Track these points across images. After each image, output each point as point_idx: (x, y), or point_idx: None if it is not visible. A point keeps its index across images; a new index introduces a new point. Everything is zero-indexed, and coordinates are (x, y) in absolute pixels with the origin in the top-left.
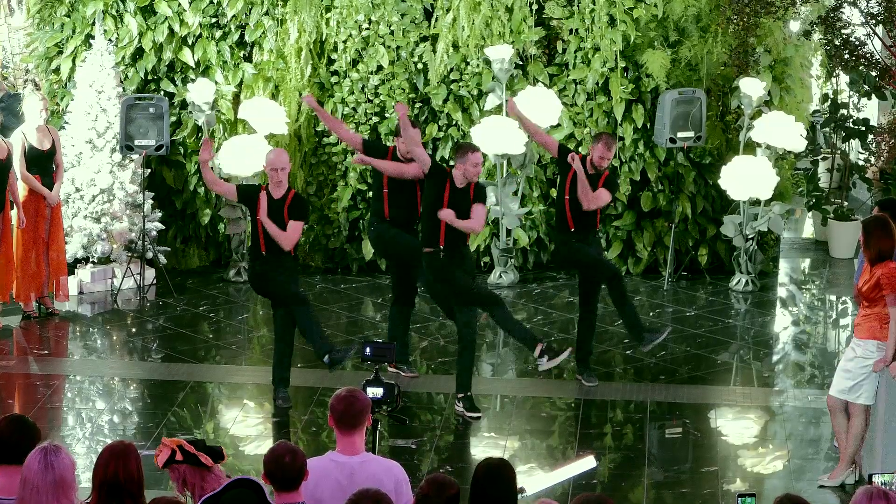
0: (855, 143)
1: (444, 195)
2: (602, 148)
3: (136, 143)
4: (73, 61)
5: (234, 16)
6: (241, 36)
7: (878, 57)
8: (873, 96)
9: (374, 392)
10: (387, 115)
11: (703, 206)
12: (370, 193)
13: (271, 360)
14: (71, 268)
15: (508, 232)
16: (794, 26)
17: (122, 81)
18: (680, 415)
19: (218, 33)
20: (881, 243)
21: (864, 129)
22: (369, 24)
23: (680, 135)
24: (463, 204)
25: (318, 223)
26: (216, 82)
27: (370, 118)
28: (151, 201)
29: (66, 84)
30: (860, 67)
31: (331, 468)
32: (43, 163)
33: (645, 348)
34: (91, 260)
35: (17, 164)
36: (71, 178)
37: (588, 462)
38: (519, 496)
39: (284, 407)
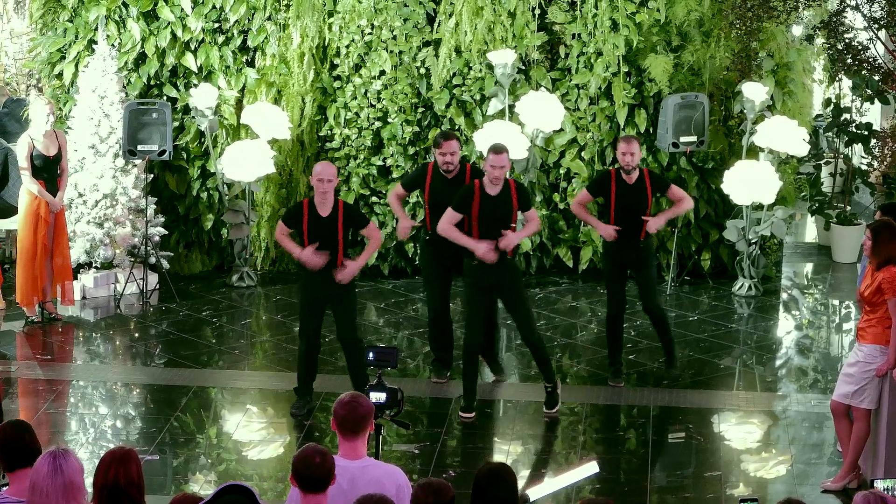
0: (858, 147)
1: (473, 208)
2: (622, 145)
3: (139, 148)
4: (76, 66)
5: (236, 21)
6: (244, 41)
7: (880, 61)
8: (876, 101)
9: (377, 397)
10: (389, 119)
11: (705, 211)
12: (373, 198)
13: (273, 365)
14: (74, 273)
15: None
16: (797, 31)
17: (124, 86)
18: (683, 419)
19: (220, 38)
20: (890, 248)
21: (866, 133)
22: (372, 28)
23: (682, 139)
24: (498, 210)
25: None
26: (219, 87)
27: (373, 123)
28: (154, 206)
29: (68, 89)
30: (863, 72)
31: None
32: (48, 168)
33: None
34: (94, 265)
35: (23, 170)
36: (74, 184)
37: (591, 467)
38: None
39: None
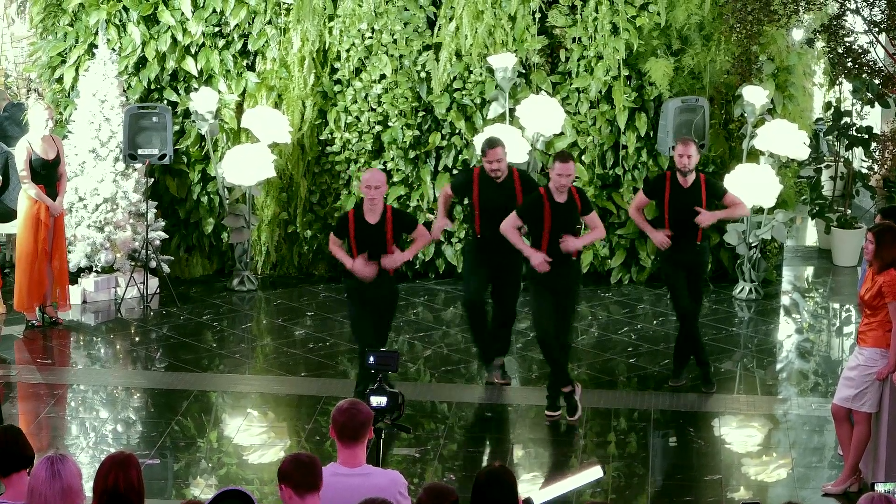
0: (858, 151)
1: (545, 218)
2: (679, 147)
3: (140, 152)
4: (77, 71)
5: (237, 25)
6: (245, 45)
7: (881, 65)
8: (876, 104)
9: (378, 401)
10: (389, 123)
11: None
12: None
13: (274, 368)
14: (74, 277)
15: None
16: (797, 34)
17: (125, 91)
18: (683, 423)
19: (221, 42)
20: (893, 252)
21: (867, 137)
22: (372, 32)
23: None
24: (565, 217)
25: (321, 231)
26: (219, 91)
27: (373, 127)
28: (155, 210)
29: (69, 93)
30: (863, 75)
31: (332, 480)
32: (47, 172)
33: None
34: (94, 269)
35: (22, 175)
36: (74, 188)
37: (595, 471)
38: None
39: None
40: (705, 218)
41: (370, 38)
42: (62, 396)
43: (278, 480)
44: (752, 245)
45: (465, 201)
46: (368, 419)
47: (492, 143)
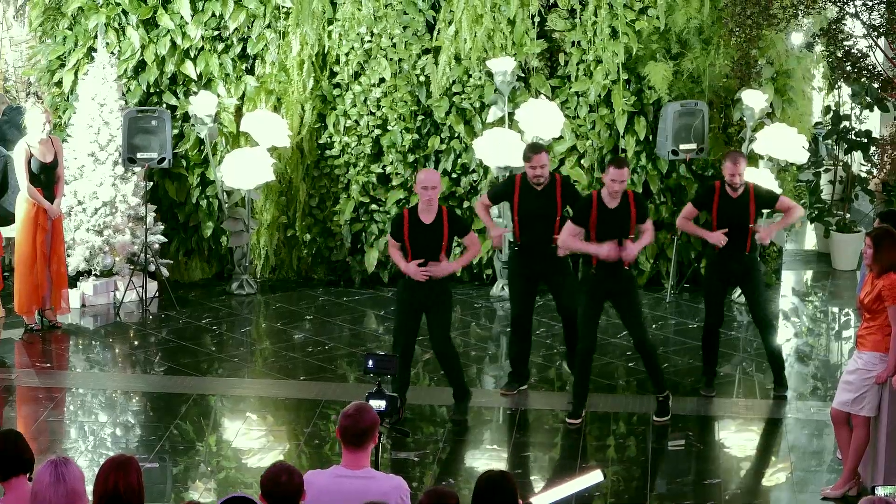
0: (857, 155)
1: (591, 220)
2: (729, 165)
3: (139, 155)
4: (76, 74)
5: (236, 28)
6: (244, 48)
7: (880, 69)
8: (875, 108)
9: (377, 404)
10: (389, 127)
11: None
12: (373, 206)
13: (273, 372)
14: (73, 280)
15: (511, 244)
16: (796, 39)
17: (124, 94)
18: (683, 427)
19: (220, 46)
20: (892, 256)
21: (866, 141)
22: (371, 36)
23: (682, 147)
24: (616, 223)
25: (320, 235)
26: (218, 95)
27: (372, 131)
28: (154, 214)
29: (68, 97)
30: (862, 79)
31: (335, 483)
32: (46, 175)
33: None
34: (93, 273)
35: (21, 177)
36: (73, 191)
37: (595, 476)
38: None
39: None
40: (765, 234)
41: (369, 41)
42: (61, 400)
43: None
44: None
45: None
46: (373, 425)
47: (536, 149)
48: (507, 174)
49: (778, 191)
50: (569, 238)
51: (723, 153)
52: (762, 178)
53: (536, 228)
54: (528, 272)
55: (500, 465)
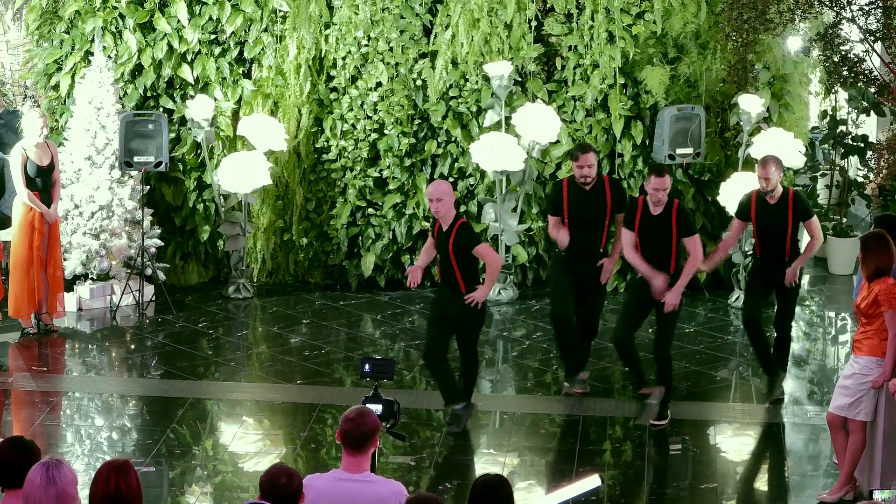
0: (854, 159)
1: (636, 224)
2: (759, 169)
3: (136, 159)
4: (73, 78)
5: (233, 32)
6: (241, 52)
7: (876, 73)
8: (872, 113)
9: (374, 408)
10: (385, 131)
11: (702, 223)
12: (370, 210)
13: (270, 376)
14: (70, 284)
15: (507, 248)
16: (793, 43)
17: (121, 98)
18: (679, 431)
19: (217, 50)
20: (879, 259)
21: (862, 145)
22: (368, 40)
23: (679, 151)
24: (658, 230)
25: (317, 239)
26: (215, 99)
27: (369, 135)
28: (150, 218)
29: (65, 100)
30: (859, 84)
31: (334, 486)
32: (42, 179)
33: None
34: (90, 276)
35: (17, 181)
36: (70, 195)
37: (593, 481)
38: None
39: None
40: (790, 275)
41: (366, 45)
42: (57, 404)
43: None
44: (748, 254)
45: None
46: (373, 430)
47: (583, 148)
48: (505, 179)
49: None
50: (631, 252)
51: (719, 158)
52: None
53: (586, 231)
54: (572, 275)
55: (497, 469)
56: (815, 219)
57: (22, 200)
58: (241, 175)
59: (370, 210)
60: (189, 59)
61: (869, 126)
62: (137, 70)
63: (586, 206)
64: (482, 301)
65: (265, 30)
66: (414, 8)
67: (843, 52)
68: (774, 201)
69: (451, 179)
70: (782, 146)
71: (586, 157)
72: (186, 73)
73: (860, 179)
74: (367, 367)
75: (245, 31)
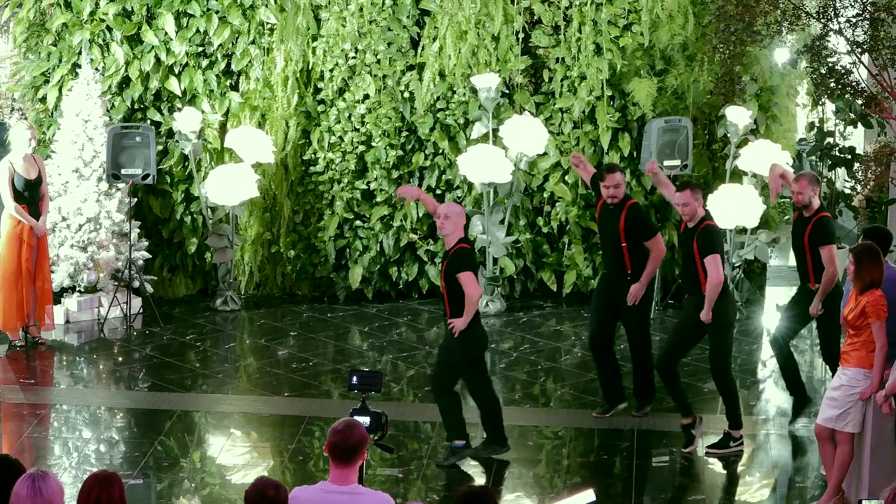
0: (841, 171)
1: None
2: (793, 184)
3: (123, 172)
4: (60, 90)
5: (220, 45)
6: (228, 65)
7: (863, 85)
8: (859, 124)
9: (362, 421)
10: (373, 143)
11: None
12: (357, 222)
13: (257, 389)
14: (57, 297)
15: (495, 260)
16: (780, 55)
17: (108, 110)
18: (667, 443)
19: (204, 62)
20: (873, 272)
21: (850, 157)
22: (356, 52)
23: (666, 163)
24: (687, 245)
25: (304, 252)
26: (203, 111)
27: (356, 147)
28: (138, 230)
29: (52, 113)
30: (846, 96)
31: (322, 498)
32: (30, 192)
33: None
34: (77, 289)
35: (4, 194)
36: (57, 207)
37: (587, 496)
38: None
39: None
40: (813, 308)
41: (354, 58)
42: (45, 416)
43: None
44: (736, 265)
45: None
46: (361, 442)
47: (610, 168)
48: (491, 190)
49: (761, 208)
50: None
51: (706, 169)
52: (746, 194)
53: (609, 251)
54: (605, 299)
55: (483, 481)
56: (831, 246)
57: (9, 213)
58: (229, 187)
59: (358, 222)
60: (176, 71)
61: (856, 138)
62: (125, 82)
63: (606, 226)
64: (459, 330)
65: (252, 42)
66: (401, 20)
67: (830, 64)
68: (807, 216)
69: (438, 192)
70: (770, 158)
71: (612, 176)
72: (174, 85)
73: (847, 191)
74: (354, 379)
75: (232, 44)
